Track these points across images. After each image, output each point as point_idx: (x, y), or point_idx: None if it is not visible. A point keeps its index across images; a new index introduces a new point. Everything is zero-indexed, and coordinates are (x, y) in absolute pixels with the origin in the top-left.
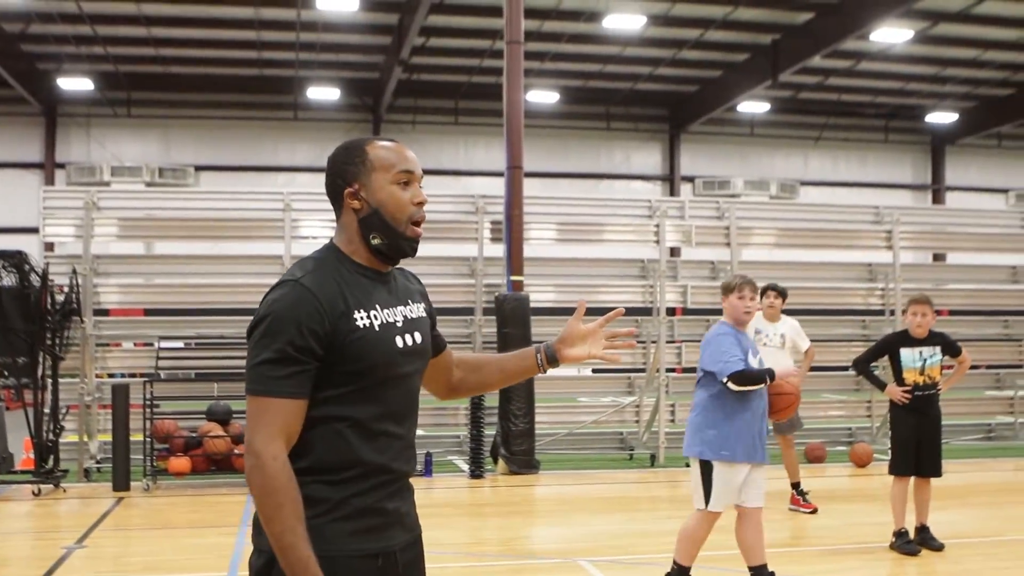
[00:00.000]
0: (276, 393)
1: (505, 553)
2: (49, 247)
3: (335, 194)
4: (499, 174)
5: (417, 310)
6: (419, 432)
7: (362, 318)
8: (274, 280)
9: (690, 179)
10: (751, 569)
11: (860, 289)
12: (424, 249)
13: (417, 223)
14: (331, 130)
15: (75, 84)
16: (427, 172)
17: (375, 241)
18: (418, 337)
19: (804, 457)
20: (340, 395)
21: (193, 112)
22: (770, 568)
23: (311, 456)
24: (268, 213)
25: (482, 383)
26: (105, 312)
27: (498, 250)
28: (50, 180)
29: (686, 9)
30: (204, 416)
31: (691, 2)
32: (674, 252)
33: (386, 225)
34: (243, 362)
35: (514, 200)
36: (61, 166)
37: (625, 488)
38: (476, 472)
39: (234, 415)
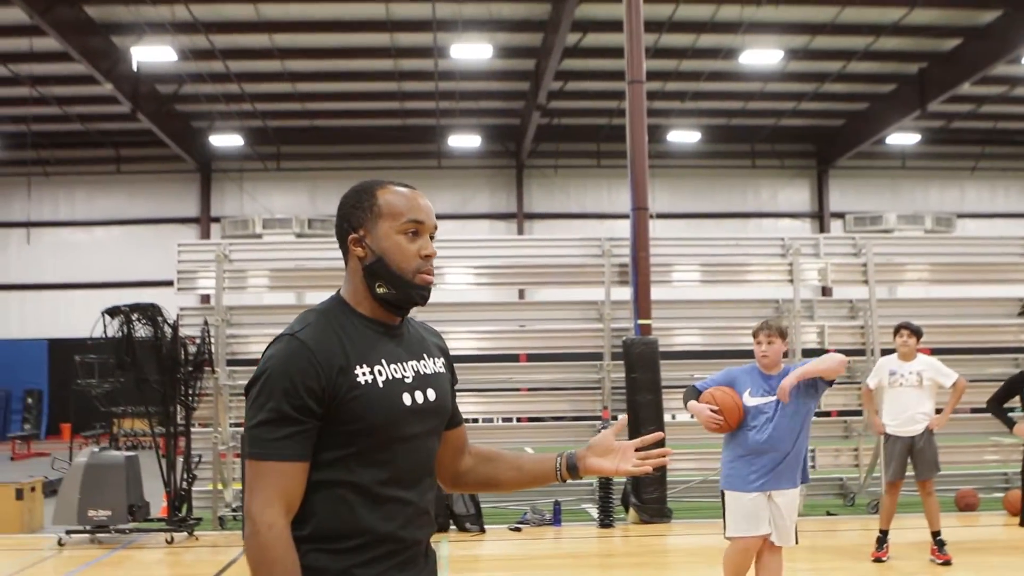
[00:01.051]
0: (273, 456)
1: None
2: (205, 299)
3: (341, 239)
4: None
5: (433, 365)
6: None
7: (364, 374)
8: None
9: (840, 215)
10: None
11: (1012, 326)
12: (551, 293)
13: (426, 275)
14: (474, 177)
15: (227, 141)
16: (571, 216)
17: (380, 290)
18: (431, 394)
19: (955, 505)
20: (341, 457)
21: (339, 164)
22: None
23: (312, 523)
24: None
25: (492, 478)
26: (240, 362)
27: (627, 293)
28: (206, 234)
29: (826, 42)
30: None
31: (831, 34)
32: (825, 292)
33: (391, 274)
34: None
35: (640, 242)
36: (216, 220)
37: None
38: (605, 521)
39: None
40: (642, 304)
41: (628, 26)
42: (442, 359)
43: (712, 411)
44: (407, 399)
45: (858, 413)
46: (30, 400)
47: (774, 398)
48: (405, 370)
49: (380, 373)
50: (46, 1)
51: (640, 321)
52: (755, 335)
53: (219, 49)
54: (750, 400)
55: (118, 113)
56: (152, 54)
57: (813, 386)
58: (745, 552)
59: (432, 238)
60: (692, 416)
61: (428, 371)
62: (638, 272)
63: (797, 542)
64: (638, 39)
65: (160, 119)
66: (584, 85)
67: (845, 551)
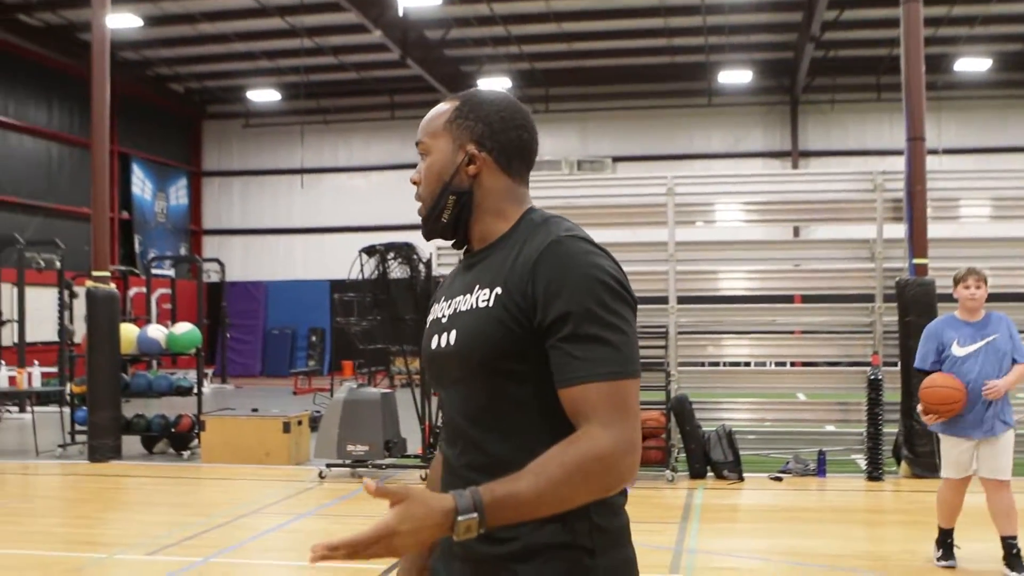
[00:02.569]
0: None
1: (897, 569)
2: None
3: None
4: (931, 152)
5: (472, 299)
6: (818, 428)
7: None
8: (662, 267)
9: None
10: (1000, 539)
11: None
12: (824, 231)
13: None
14: (746, 115)
15: (496, 84)
16: (849, 153)
17: None
18: (451, 337)
19: None
20: None
21: (607, 104)
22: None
23: None
24: (654, 199)
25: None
26: None
27: (900, 231)
28: None
29: None
30: None
31: None
32: None
33: None
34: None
35: (915, 175)
36: None
37: None
38: (874, 474)
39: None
40: (917, 242)
41: None
42: (496, 288)
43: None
44: (434, 342)
45: None
46: (314, 338)
47: (981, 343)
48: (448, 308)
49: (434, 312)
50: None
51: (915, 261)
52: (963, 279)
53: None
54: (959, 350)
55: (389, 60)
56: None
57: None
58: (955, 491)
59: (422, 156)
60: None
61: (464, 307)
62: (913, 207)
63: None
64: None
65: (429, 64)
66: (861, 13)
67: None
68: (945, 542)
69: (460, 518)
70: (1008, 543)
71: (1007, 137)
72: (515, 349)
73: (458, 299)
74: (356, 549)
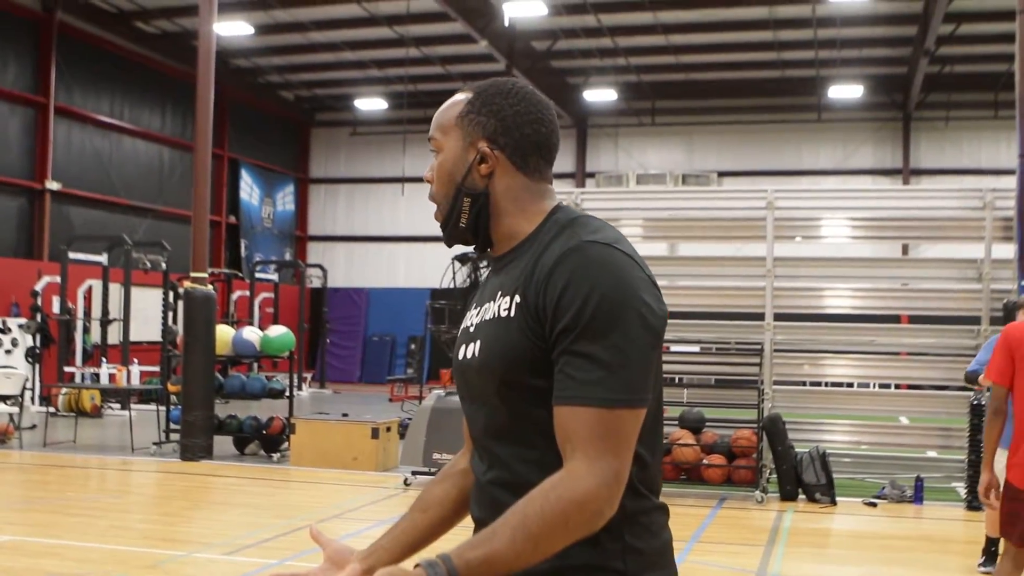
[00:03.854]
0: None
1: None
2: None
3: None
4: None
5: (495, 307)
6: (918, 454)
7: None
8: (760, 282)
9: None
10: None
11: None
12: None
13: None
14: (857, 131)
15: (601, 96)
16: (962, 172)
17: None
18: (475, 347)
19: None
20: None
21: (715, 118)
22: None
23: None
24: (752, 212)
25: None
26: None
27: (1010, 251)
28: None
29: None
30: (676, 423)
31: None
32: None
33: None
34: (711, 369)
35: None
36: (591, 175)
37: None
38: (973, 503)
39: (707, 424)
40: None
41: None
42: (516, 297)
43: None
44: (460, 353)
45: None
46: (413, 346)
47: None
48: (475, 317)
49: (465, 320)
50: None
51: None
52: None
53: (590, 2)
54: None
55: (495, 71)
56: (523, 9)
57: None
58: None
59: (435, 153)
60: None
61: (488, 316)
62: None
63: None
64: None
65: (535, 75)
66: (978, 28)
67: None
68: (989, 550)
69: None
70: None
71: None
72: (535, 364)
73: (486, 306)
74: None
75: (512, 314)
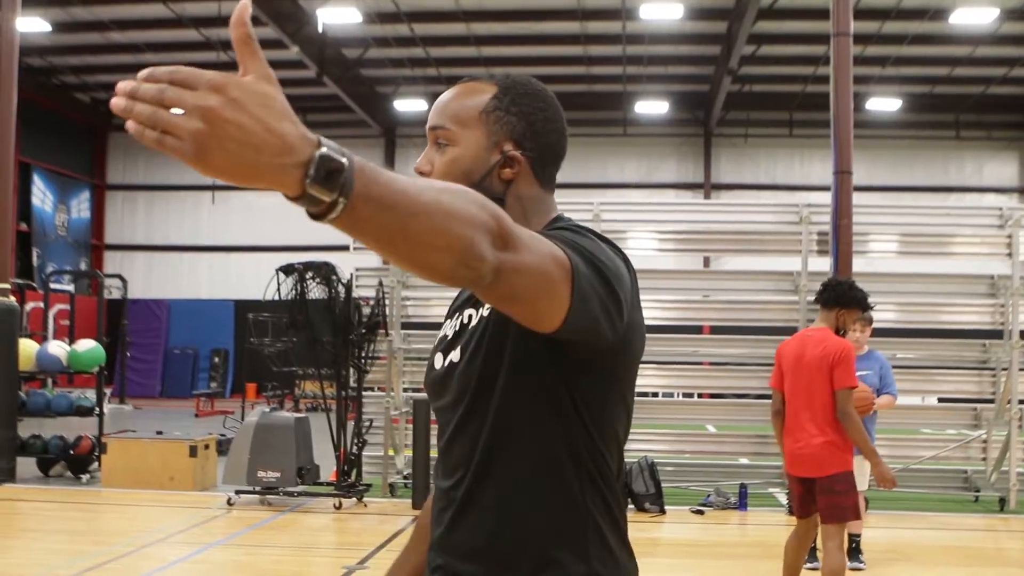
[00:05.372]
0: None
1: None
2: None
3: None
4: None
5: (478, 311)
6: (738, 461)
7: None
8: None
9: None
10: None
11: None
12: (742, 262)
13: None
14: (661, 145)
15: (411, 105)
16: (760, 187)
17: None
18: (456, 355)
19: None
20: None
21: None
22: None
23: None
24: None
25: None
26: (416, 326)
27: (825, 264)
28: None
29: None
30: None
31: None
32: None
33: None
34: None
35: (842, 208)
36: None
37: (968, 536)
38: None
39: None
40: (842, 276)
41: None
42: None
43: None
44: (437, 361)
45: (990, 401)
46: (216, 359)
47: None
48: (454, 324)
49: (441, 332)
50: None
51: None
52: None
53: (404, 11)
54: None
55: (305, 78)
56: (338, 16)
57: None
58: None
59: (437, 144)
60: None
61: (473, 321)
62: (839, 241)
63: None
64: None
65: (345, 84)
66: (778, 49)
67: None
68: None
69: (322, 151)
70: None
71: (914, 176)
72: (531, 360)
73: (468, 312)
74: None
75: (488, 317)
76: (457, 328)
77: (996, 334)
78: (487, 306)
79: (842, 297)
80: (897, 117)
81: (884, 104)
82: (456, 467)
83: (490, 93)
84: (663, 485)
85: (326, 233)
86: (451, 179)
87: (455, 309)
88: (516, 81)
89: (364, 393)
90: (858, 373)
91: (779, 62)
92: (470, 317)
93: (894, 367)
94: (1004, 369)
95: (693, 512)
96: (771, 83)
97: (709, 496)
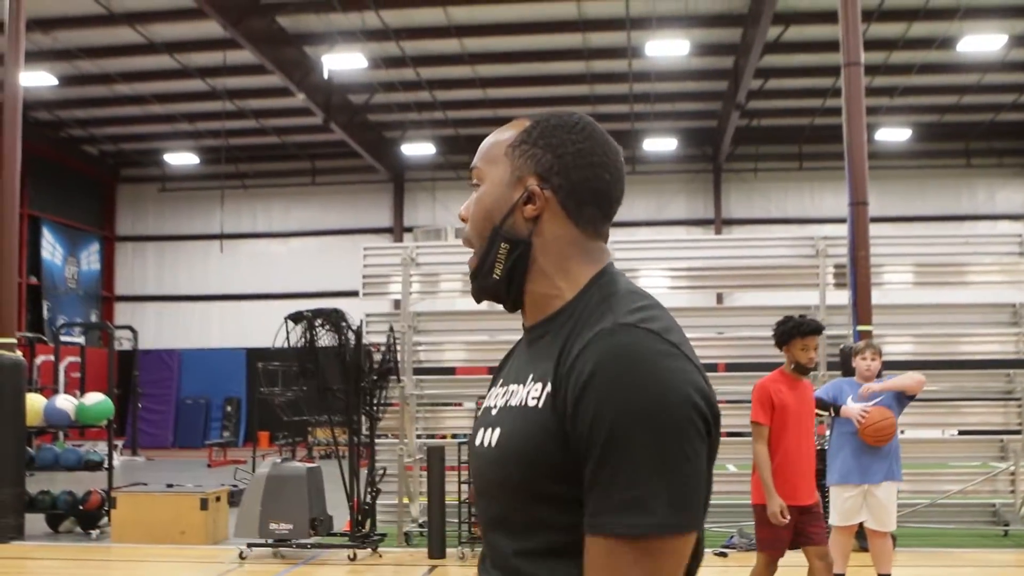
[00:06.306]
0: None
1: None
2: (396, 305)
3: None
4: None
5: (523, 392)
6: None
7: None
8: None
9: None
10: None
11: None
12: (756, 298)
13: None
14: (670, 182)
15: (419, 150)
16: (771, 221)
17: None
18: (494, 436)
19: None
20: None
21: None
22: None
23: None
24: None
25: None
26: (428, 371)
27: (843, 297)
28: (399, 243)
29: None
30: None
31: None
32: None
33: None
34: None
35: (859, 240)
36: (409, 229)
37: (998, 572)
38: None
39: None
40: (861, 309)
41: (843, 2)
42: (547, 384)
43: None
44: (478, 437)
45: (1016, 432)
46: (229, 408)
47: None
48: (498, 397)
49: (488, 398)
50: (239, 12)
51: (860, 327)
52: (861, 351)
53: (409, 56)
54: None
55: (312, 125)
56: (343, 62)
57: (896, 397)
58: (841, 537)
59: (476, 186)
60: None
61: (515, 401)
62: (857, 273)
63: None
64: (854, 16)
65: (352, 129)
66: (786, 83)
67: None
68: None
69: None
70: None
71: (926, 206)
72: (561, 469)
73: (512, 388)
74: None
75: (540, 405)
76: (502, 403)
77: (1020, 363)
78: (533, 389)
79: (780, 337)
80: (907, 147)
81: (894, 134)
82: (495, 556)
83: (521, 128)
84: None
85: (335, 279)
86: (477, 219)
87: (506, 378)
88: (552, 114)
89: (377, 440)
90: (874, 401)
91: (787, 95)
92: (516, 395)
93: (918, 399)
94: None
95: (716, 555)
96: (780, 117)
97: (732, 537)
